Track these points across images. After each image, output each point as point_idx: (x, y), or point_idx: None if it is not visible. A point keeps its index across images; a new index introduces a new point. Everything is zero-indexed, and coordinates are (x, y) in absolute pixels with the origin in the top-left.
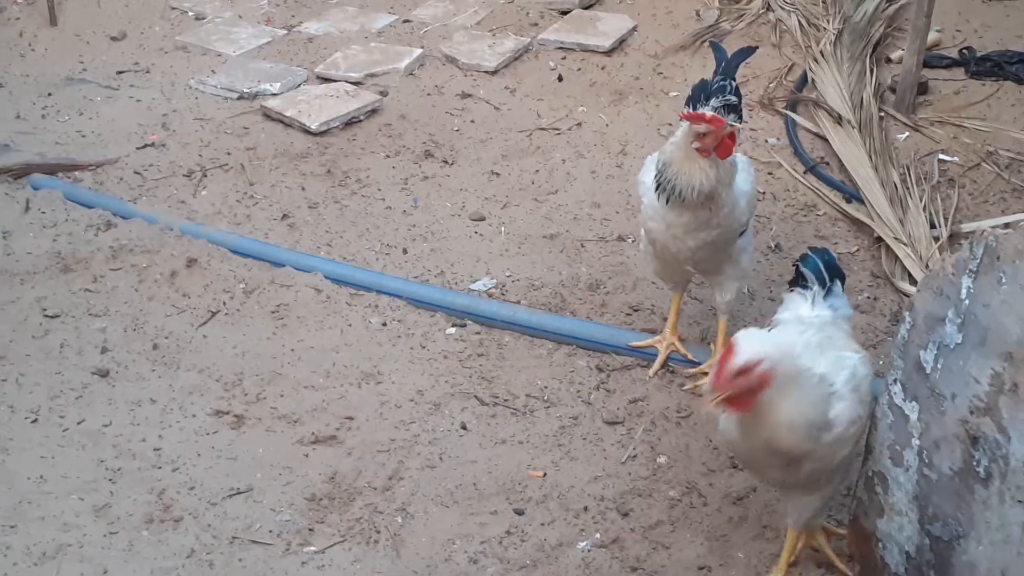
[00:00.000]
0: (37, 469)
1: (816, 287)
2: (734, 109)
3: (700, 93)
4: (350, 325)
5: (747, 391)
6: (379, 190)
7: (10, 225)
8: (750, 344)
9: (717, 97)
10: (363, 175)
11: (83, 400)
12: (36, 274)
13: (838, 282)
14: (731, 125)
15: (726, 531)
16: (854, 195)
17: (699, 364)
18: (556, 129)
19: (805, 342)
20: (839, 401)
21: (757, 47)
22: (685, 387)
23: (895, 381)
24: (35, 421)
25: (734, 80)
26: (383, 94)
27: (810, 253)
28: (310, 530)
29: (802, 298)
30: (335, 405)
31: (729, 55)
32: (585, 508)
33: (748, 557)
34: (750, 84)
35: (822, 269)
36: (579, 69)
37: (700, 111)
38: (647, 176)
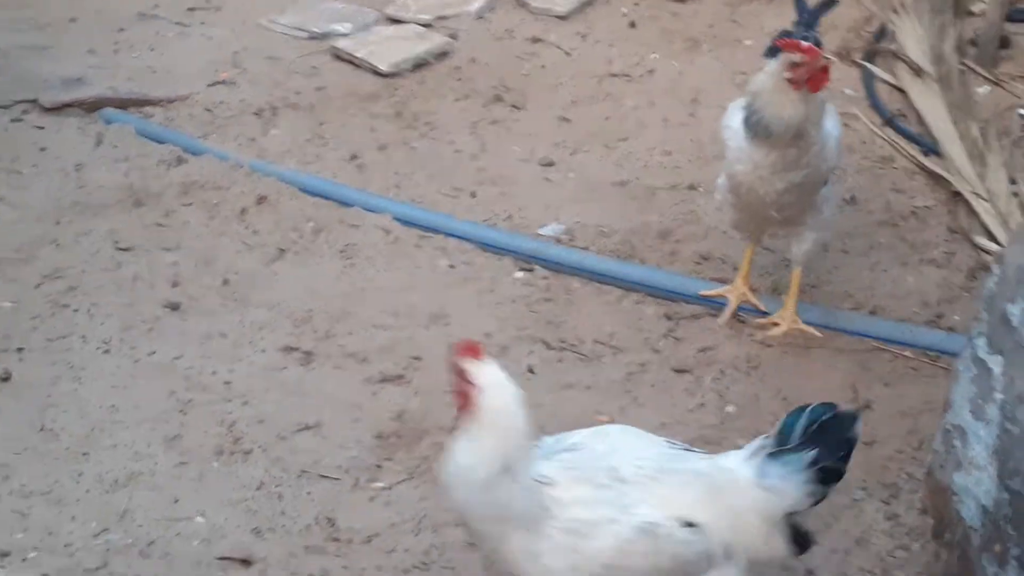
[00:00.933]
0: (109, 398)
1: (769, 442)
2: None
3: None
4: (418, 267)
5: (457, 390)
6: (448, 133)
7: (83, 158)
8: (491, 369)
9: None
10: (432, 118)
11: (154, 332)
12: (108, 207)
13: (813, 452)
14: (826, 58)
15: None
16: (932, 149)
17: (770, 314)
18: (627, 76)
19: (609, 464)
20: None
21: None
22: (755, 337)
23: (979, 334)
24: (107, 352)
25: (816, 32)
26: (453, 37)
27: (806, 408)
28: (378, 467)
29: (748, 447)
30: (403, 345)
31: (810, 6)
32: None
33: (820, 506)
34: (827, 34)
35: (798, 429)
36: (651, 16)
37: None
38: (733, 120)
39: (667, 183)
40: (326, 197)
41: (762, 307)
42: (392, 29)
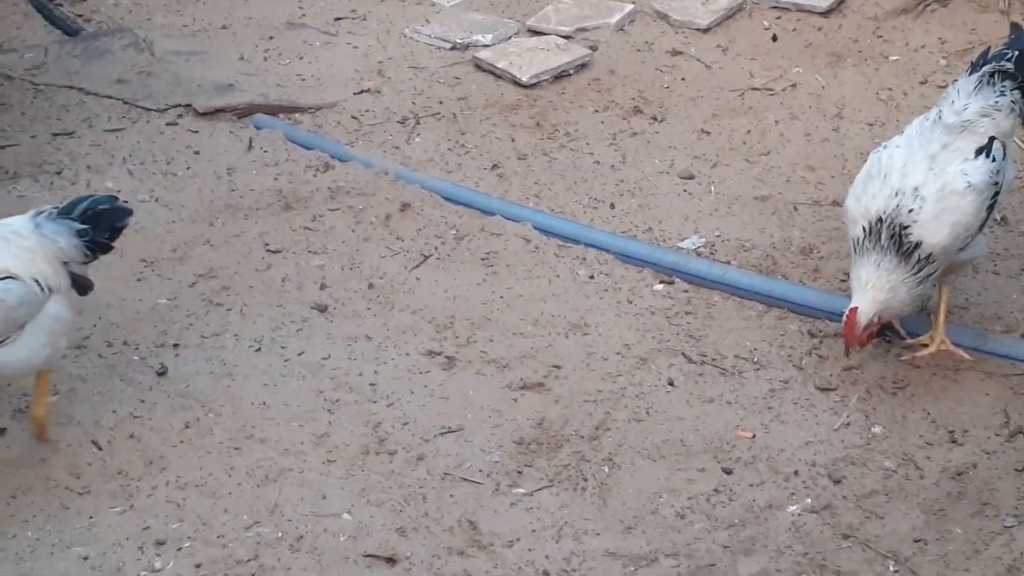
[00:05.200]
0: (260, 396)
1: (54, 210)
2: (1008, 75)
3: (981, 60)
4: (558, 276)
5: None
6: (587, 144)
7: (234, 162)
8: None
9: (992, 63)
10: (572, 129)
11: (303, 333)
12: (259, 210)
13: (86, 227)
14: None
15: (944, 505)
16: None
17: (918, 335)
18: (769, 89)
19: None
20: None
21: None
22: (902, 357)
23: None
24: (258, 350)
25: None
26: (593, 49)
27: (96, 199)
28: (519, 472)
29: (36, 211)
30: (543, 353)
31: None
32: (795, 472)
33: (967, 533)
34: (974, 50)
35: (78, 208)
36: (794, 29)
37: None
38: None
39: (810, 199)
40: (468, 205)
41: (903, 333)
42: (533, 40)
